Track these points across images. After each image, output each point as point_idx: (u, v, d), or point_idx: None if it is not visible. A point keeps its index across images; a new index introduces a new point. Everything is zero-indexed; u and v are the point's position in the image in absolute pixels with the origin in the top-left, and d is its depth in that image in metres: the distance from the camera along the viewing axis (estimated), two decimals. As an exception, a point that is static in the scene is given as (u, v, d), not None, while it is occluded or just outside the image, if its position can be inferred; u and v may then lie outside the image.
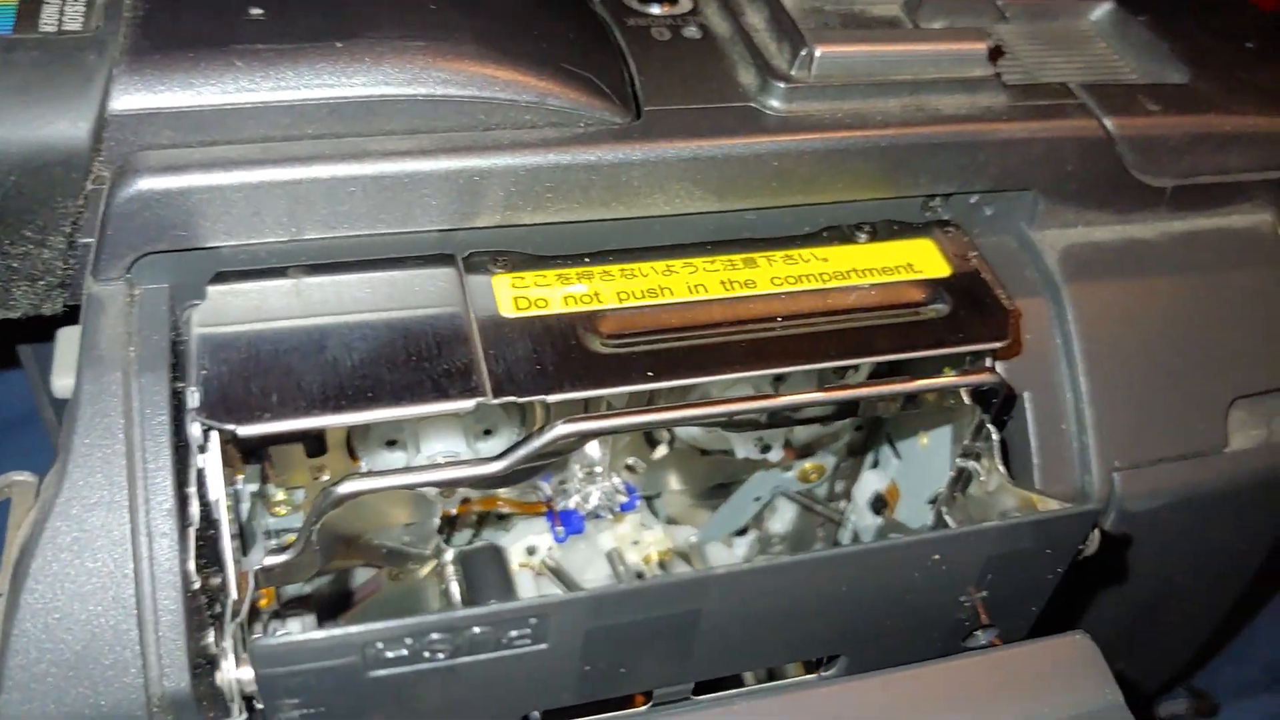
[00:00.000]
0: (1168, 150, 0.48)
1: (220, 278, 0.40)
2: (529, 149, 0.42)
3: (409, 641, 0.33)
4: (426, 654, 0.34)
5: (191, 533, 0.38)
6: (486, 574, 0.53)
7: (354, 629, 0.32)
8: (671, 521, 0.59)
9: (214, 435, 0.37)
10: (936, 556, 0.38)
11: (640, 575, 0.55)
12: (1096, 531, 0.41)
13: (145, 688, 0.36)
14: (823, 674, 0.42)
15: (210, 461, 0.37)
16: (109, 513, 0.37)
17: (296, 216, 0.40)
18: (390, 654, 0.33)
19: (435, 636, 0.33)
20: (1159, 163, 0.49)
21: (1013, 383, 0.46)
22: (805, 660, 0.44)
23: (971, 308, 0.44)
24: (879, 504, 0.58)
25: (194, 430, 0.37)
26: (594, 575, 0.55)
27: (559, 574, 0.55)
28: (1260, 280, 0.51)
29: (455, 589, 0.52)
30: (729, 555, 0.62)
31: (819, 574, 0.37)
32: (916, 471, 0.54)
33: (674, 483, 0.57)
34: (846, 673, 0.42)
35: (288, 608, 0.49)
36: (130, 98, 0.38)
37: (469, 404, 0.38)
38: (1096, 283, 0.48)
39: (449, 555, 0.52)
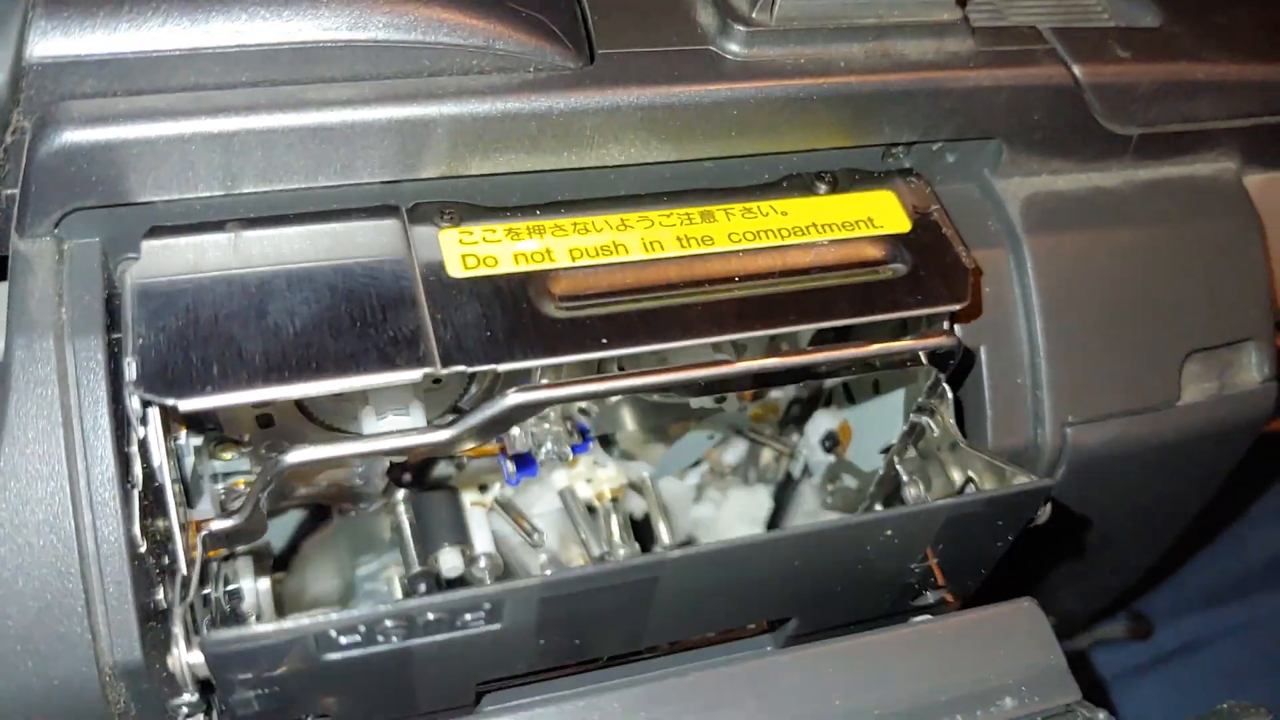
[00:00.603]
0: (1136, 98, 0.48)
1: (155, 232, 0.39)
2: (476, 96, 0.40)
3: (362, 629, 0.33)
4: (380, 637, 0.34)
5: (135, 495, 0.38)
6: (438, 511, 0.53)
7: (306, 622, 0.33)
8: (625, 456, 0.59)
9: (153, 410, 0.36)
10: (889, 532, 0.39)
11: (592, 510, 0.56)
12: (1048, 504, 0.42)
13: (96, 659, 0.37)
14: (773, 635, 0.43)
15: (151, 433, 0.37)
16: (49, 484, 0.37)
17: (232, 170, 0.39)
18: (344, 639, 0.33)
19: (390, 623, 0.33)
20: (1126, 111, 0.48)
21: (970, 337, 0.47)
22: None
23: (931, 267, 0.44)
24: (830, 441, 0.59)
25: (133, 404, 0.36)
26: (545, 510, 0.56)
27: (509, 509, 0.55)
28: (1220, 231, 0.51)
29: (406, 526, 0.52)
30: (681, 487, 0.63)
31: (773, 552, 0.38)
32: (869, 414, 0.54)
33: (628, 423, 0.57)
34: (797, 632, 0.43)
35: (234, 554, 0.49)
36: (49, 43, 0.37)
37: (415, 374, 0.37)
38: (1058, 234, 0.48)
39: (400, 493, 0.52)
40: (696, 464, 0.63)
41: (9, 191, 0.39)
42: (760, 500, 0.67)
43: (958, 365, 0.45)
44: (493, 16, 0.41)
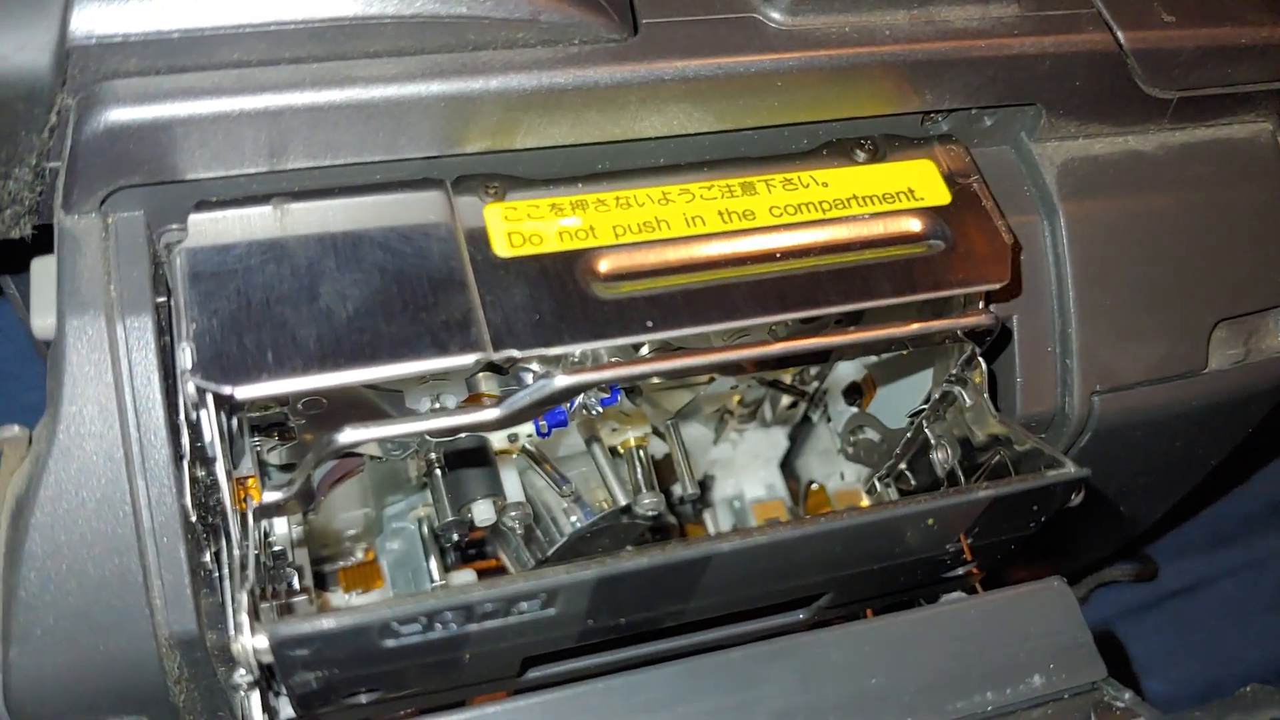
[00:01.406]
0: (1179, 63, 0.49)
1: (201, 207, 0.40)
2: (521, 70, 0.41)
3: (423, 619, 0.35)
4: (439, 625, 0.36)
5: (185, 465, 0.40)
6: (470, 460, 0.55)
7: (371, 615, 0.35)
8: (649, 403, 0.61)
9: (209, 397, 0.37)
10: (931, 521, 0.41)
11: (616, 454, 0.58)
12: (1082, 489, 0.44)
13: (154, 631, 0.39)
14: (806, 608, 0.46)
15: (206, 418, 0.38)
16: (104, 459, 0.39)
17: (277, 146, 0.40)
18: (405, 629, 0.35)
19: (449, 614, 0.35)
20: (1169, 75, 0.49)
21: (1004, 308, 0.48)
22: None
23: (972, 243, 0.45)
24: (853, 391, 0.61)
25: (189, 389, 0.37)
26: (570, 454, 0.58)
27: (538, 460, 0.57)
28: (1255, 195, 0.52)
29: (438, 474, 0.54)
30: (700, 430, 0.65)
31: (821, 541, 0.40)
32: (894, 369, 0.56)
33: (654, 383, 0.58)
34: (830, 604, 0.45)
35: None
36: (92, 22, 0.37)
37: (468, 359, 0.39)
38: (1093, 202, 0.50)
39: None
40: (717, 410, 0.65)
41: (53, 165, 0.39)
42: (776, 440, 0.70)
43: (993, 340, 0.46)
44: (537, -14, 0.41)
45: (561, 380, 0.40)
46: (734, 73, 0.43)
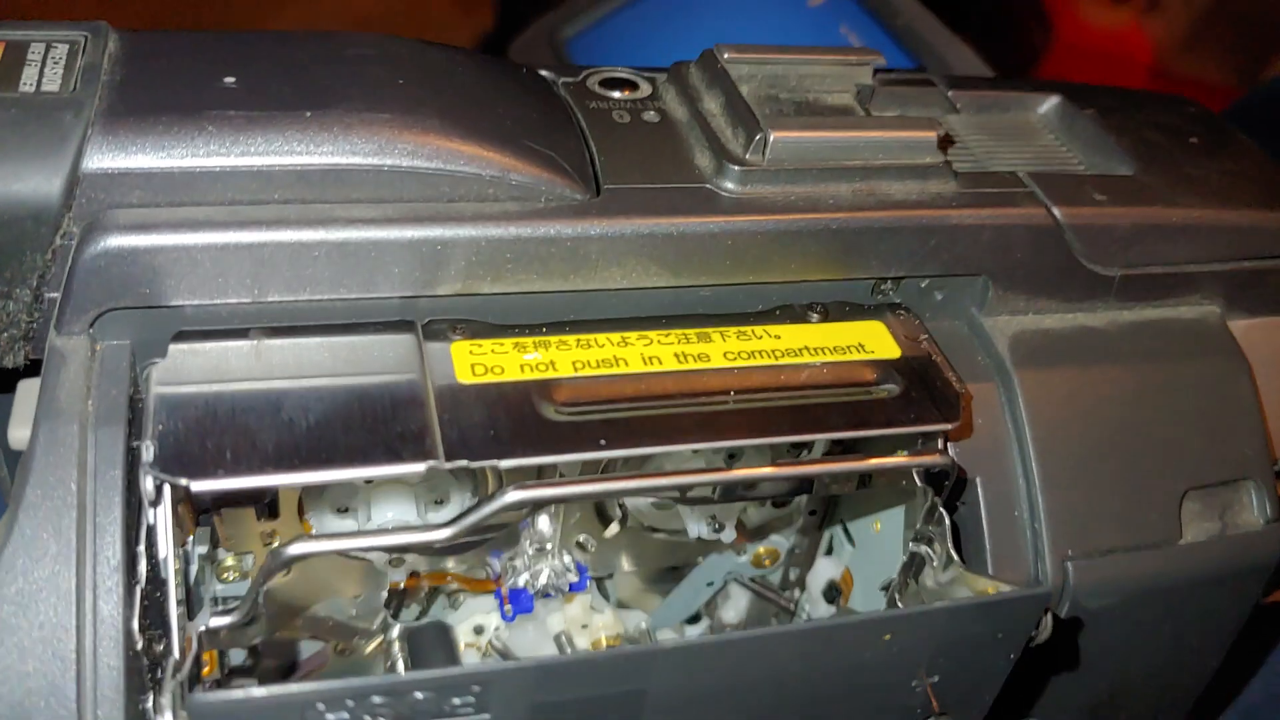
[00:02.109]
0: (1115, 239, 0.53)
1: (182, 336, 0.44)
2: (491, 221, 0.45)
3: (350, 704, 0.35)
4: (367, 718, 0.36)
5: (138, 590, 0.41)
6: (433, 652, 0.55)
7: (295, 688, 0.35)
8: (622, 605, 0.61)
9: (166, 489, 0.39)
10: (888, 636, 0.41)
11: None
12: (1049, 617, 0.44)
13: None
14: None
15: (161, 516, 0.40)
16: (56, 565, 0.40)
17: (260, 279, 0.44)
18: (331, 716, 0.35)
19: (377, 700, 0.35)
20: (1107, 251, 0.53)
21: (964, 467, 0.50)
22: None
23: (923, 389, 0.48)
24: (832, 592, 0.61)
25: (147, 484, 0.39)
26: (540, 654, 0.57)
27: (506, 655, 0.57)
28: (1209, 372, 0.55)
29: (401, 666, 0.54)
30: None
31: (769, 650, 0.40)
32: (870, 558, 0.57)
33: (625, 563, 0.59)
34: None
35: (231, 678, 0.51)
36: (103, 157, 0.42)
37: (420, 467, 0.41)
38: (1047, 369, 0.52)
39: (395, 631, 0.54)
40: (695, 620, 0.64)
41: (52, 295, 0.44)
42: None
43: (952, 488, 0.48)
44: (509, 150, 0.47)
45: (512, 494, 0.42)
46: (687, 231, 0.48)
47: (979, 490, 0.50)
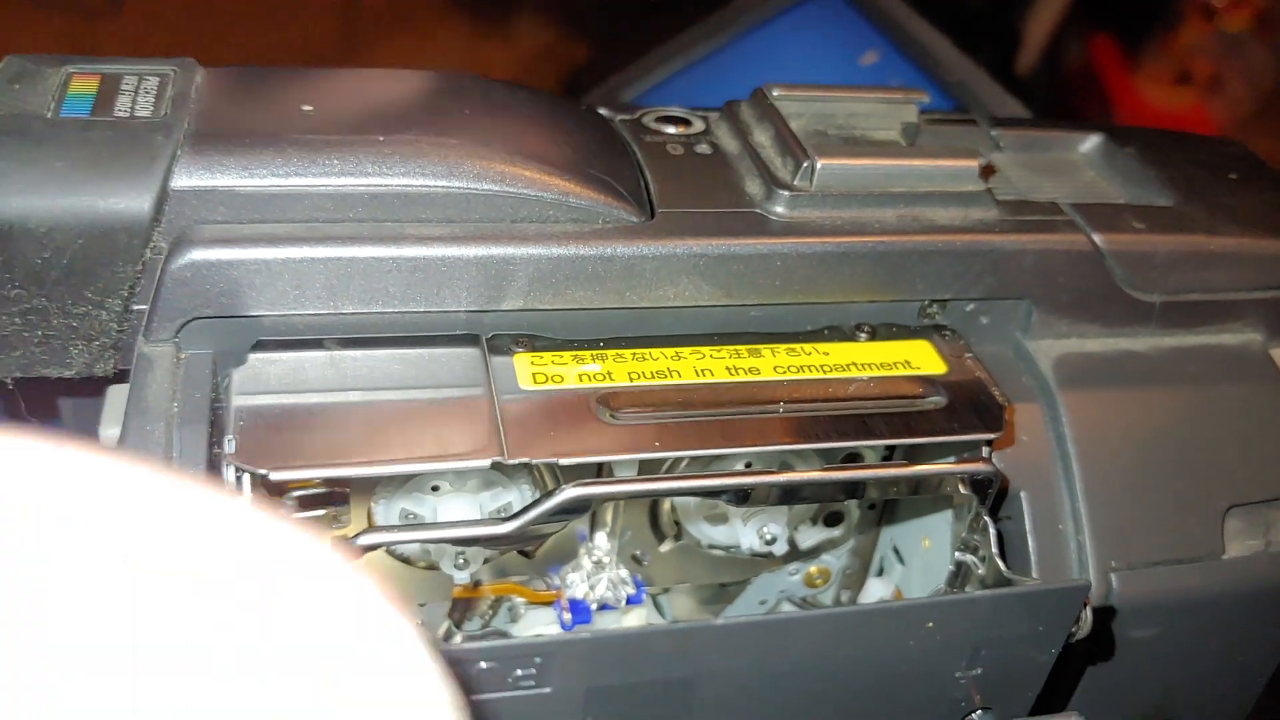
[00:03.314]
0: (1155, 266, 0.54)
1: (260, 345, 0.46)
2: (552, 241, 0.47)
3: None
4: None
5: None
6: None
7: None
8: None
9: (245, 479, 0.41)
10: (931, 623, 0.41)
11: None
12: (1089, 611, 0.44)
13: None
14: None
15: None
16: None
17: (335, 292, 0.46)
18: None
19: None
20: (1147, 278, 0.54)
21: (1009, 481, 0.50)
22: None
23: (966, 401, 0.48)
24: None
25: (228, 475, 0.41)
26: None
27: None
28: (1250, 396, 0.55)
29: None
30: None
31: (818, 632, 0.41)
32: (919, 576, 0.57)
33: (679, 578, 0.60)
34: None
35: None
36: (191, 176, 0.45)
37: (485, 462, 0.42)
38: (1090, 390, 0.53)
39: (458, 639, 0.55)
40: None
41: (140, 306, 0.46)
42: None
43: (996, 497, 0.48)
44: (569, 175, 0.49)
45: (571, 490, 0.43)
46: (737, 253, 0.49)
47: (1024, 503, 0.51)
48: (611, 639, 0.38)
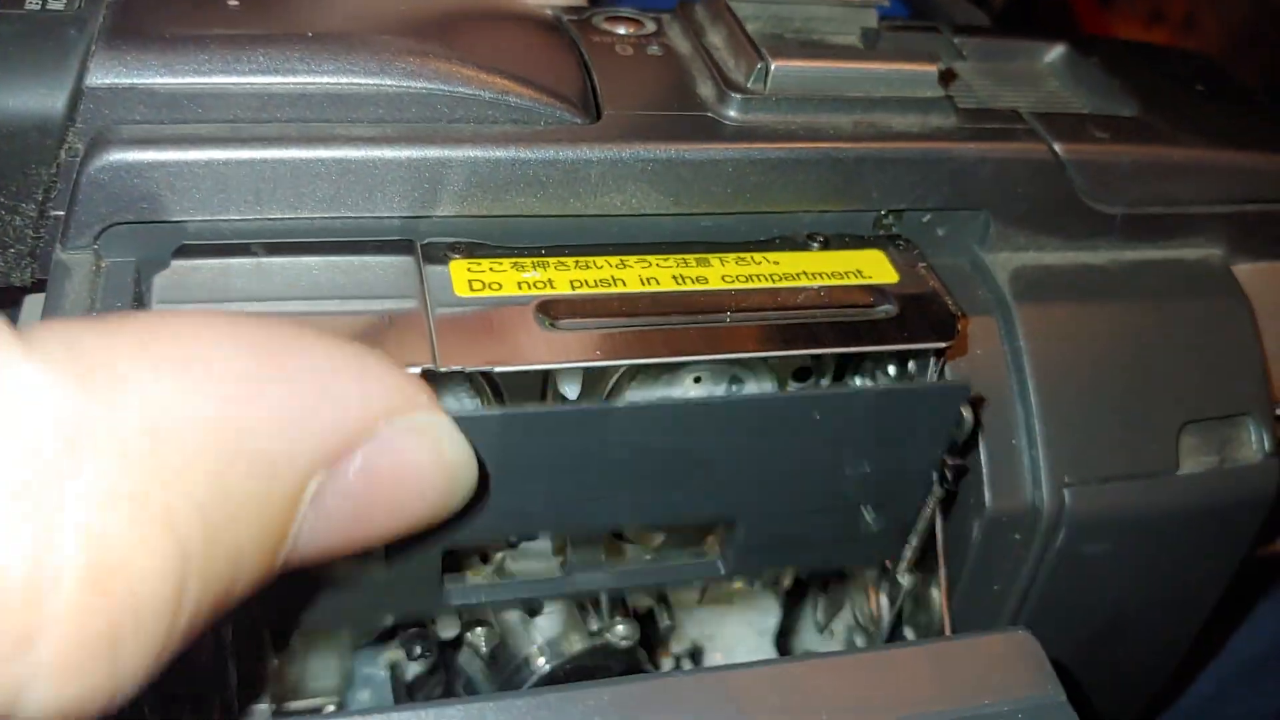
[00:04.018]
0: (1116, 177, 0.52)
1: (184, 251, 0.43)
2: (489, 142, 0.45)
3: None
4: None
5: None
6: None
7: None
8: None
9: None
10: (817, 414, 0.43)
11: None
12: (968, 410, 0.45)
13: None
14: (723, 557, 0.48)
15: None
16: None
17: (261, 195, 0.43)
18: None
19: None
20: (1108, 189, 0.52)
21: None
22: (702, 524, 0.50)
23: (919, 311, 0.47)
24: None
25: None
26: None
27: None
28: (1210, 310, 0.54)
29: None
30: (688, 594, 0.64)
31: (710, 417, 0.43)
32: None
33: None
34: (745, 547, 0.47)
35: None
36: (106, 73, 0.42)
37: (415, 370, 0.40)
38: (1047, 303, 0.51)
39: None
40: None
41: (56, 213, 0.43)
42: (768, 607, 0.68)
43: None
44: (508, 74, 0.46)
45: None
46: (686, 157, 0.47)
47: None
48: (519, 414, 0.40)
